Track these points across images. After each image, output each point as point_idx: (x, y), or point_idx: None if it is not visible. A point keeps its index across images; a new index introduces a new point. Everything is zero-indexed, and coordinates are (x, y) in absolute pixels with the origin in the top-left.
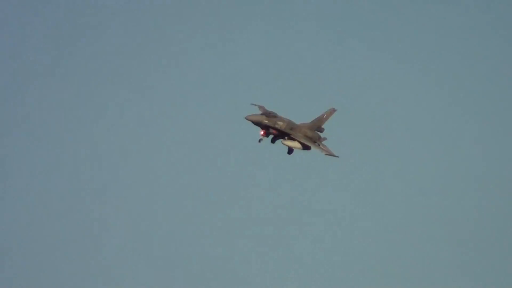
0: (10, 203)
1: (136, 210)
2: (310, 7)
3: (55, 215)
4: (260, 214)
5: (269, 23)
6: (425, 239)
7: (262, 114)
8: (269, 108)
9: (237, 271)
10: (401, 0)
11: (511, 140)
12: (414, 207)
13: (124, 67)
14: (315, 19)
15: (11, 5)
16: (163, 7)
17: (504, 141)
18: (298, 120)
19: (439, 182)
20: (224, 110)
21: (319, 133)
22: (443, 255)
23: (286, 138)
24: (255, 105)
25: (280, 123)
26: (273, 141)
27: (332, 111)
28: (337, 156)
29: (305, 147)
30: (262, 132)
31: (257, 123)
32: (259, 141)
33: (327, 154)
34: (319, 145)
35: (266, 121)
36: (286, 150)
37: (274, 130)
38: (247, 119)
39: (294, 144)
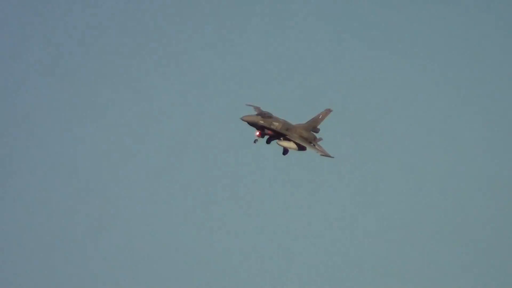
0: (10, 203)
1: (131, 210)
2: (307, 8)
3: (53, 214)
4: (256, 215)
5: (264, 24)
6: (421, 239)
7: (257, 114)
8: (265, 108)
9: (232, 272)
10: (396, 0)
11: (508, 140)
12: (410, 207)
13: (120, 68)
14: (309, 19)
15: (11, 5)
16: (159, 8)
17: (501, 143)
18: (293, 121)
19: (435, 182)
20: (219, 110)
21: (314, 133)
22: (437, 256)
23: (281, 138)
24: (251, 105)
25: (276, 123)
26: (268, 141)
27: (328, 111)
28: (333, 157)
29: (301, 148)
30: (257, 133)
31: (252, 124)
32: (255, 141)
33: (323, 155)
34: (314, 145)
35: (262, 122)
36: (282, 151)
37: (270, 130)
38: (242, 120)
39: (290, 145)
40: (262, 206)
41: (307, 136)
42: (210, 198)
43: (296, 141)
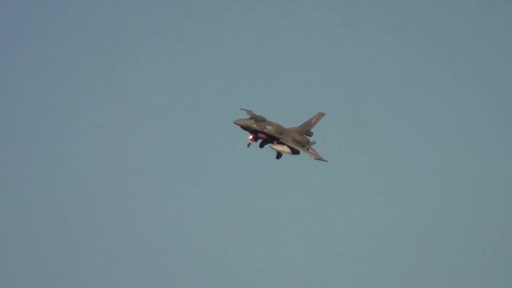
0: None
1: (127, 213)
2: (300, 10)
3: (51, 214)
4: (249, 219)
5: (257, 27)
6: (413, 242)
7: (250, 118)
8: (258, 112)
9: (226, 275)
10: (389, 3)
11: (507, 141)
12: (404, 210)
13: (113, 71)
14: (302, 22)
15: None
16: (151, 10)
17: (499, 148)
18: (287, 125)
19: (429, 185)
20: (212, 114)
21: (308, 137)
22: (432, 259)
23: (275, 142)
24: (244, 109)
25: (269, 127)
26: (261, 145)
27: (321, 115)
28: (326, 161)
29: (294, 152)
30: (250, 137)
31: (245, 128)
32: (248, 145)
33: (316, 159)
34: (308, 149)
35: (255, 126)
36: (275, 155)
37: (263, 134)
38: (235, 124)
39: (283, 149)
40: (256, 211)
41: (300, 140)
42: (204, 203)
43: (290, 145)
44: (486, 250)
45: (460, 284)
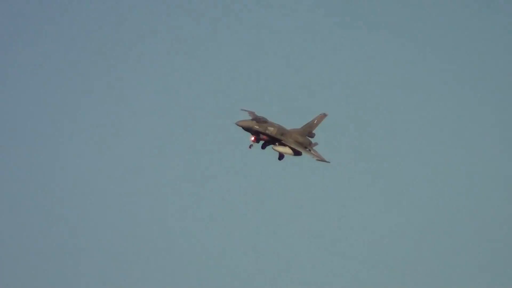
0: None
1: (124, 215)
2: (301, 11)
3: (51, 214)
4: (251, 220)
5: (259, 27)
6: (417, 243)
7: (252, 119)
8: (260, 113)
9: (228, 277)
10: (389, 3)
11: (506, 142)
12: (406, 211)
13: (115, 72)
14: (302, 22)
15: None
16: (151, 10)
17: (497, 151)
18: (288, 126)
19: (432, 186)
20: (214, 115)
21: (310, 138)
22: (433, 259)
23: (276, 143)
24: (245, 110)
25: (271, 128)
26: (263, 147)
27: (323, 116)
28: (328, 162)
29: (296, 153)
30: (252, 138)
31: (247, 129)
32: (250, 147)
33: (318, 160)
34: (310, 150)
35: (257, 127)
36: (277, 156)
37: (265, 135)
38: (237, 125)
39: (285, 150)
40: (258, 212)
41: (302, 141)
42: (205, 204)
43: (292, 146)
44: (486, 250)
45: (460, 284)
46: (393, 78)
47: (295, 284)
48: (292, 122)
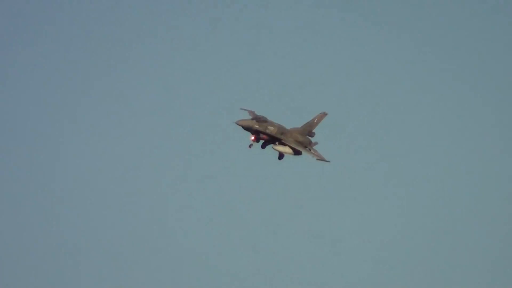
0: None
1: (125, 215)
2: (302, 9)
3: (50, 214)
4: (251, 220)
5: (258, 26)
6: (417, 244)
7: (252, 119)
8: (259, 112)
9: (228, 277)
10: (390, 3)
11: (505, 142)
12: (407, 211)
13: (114, 70)
14: (304, 21)
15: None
16: (150, 9)
17: (497, 149)
18: (288, 125)
19: (432, 186)
20: (214, 115)
21: (310, 137)
22: (433, 261)
23: (276, 143)
24: (245, 109)
25: (271, 128)
26: (263, 146)
27: (323, 115)
28: (329, 161)
29: (296, 152)
30: (252, 137)
31: (247, 128)
32: (250, 146)
33: (318, 159)
34: (310, 150)
35: (257, 126)
36: (277, 156)
37: (265, 135)
38: (237, 124)
39: (285, 149)
40: (258, 212)
41: (302, 140)
42: (205, 204)
43: (292, 146)
44: (486, 250)
45: (460, 284)
46: (393, 78)
47: (295, 284)
48: (292, 121)
